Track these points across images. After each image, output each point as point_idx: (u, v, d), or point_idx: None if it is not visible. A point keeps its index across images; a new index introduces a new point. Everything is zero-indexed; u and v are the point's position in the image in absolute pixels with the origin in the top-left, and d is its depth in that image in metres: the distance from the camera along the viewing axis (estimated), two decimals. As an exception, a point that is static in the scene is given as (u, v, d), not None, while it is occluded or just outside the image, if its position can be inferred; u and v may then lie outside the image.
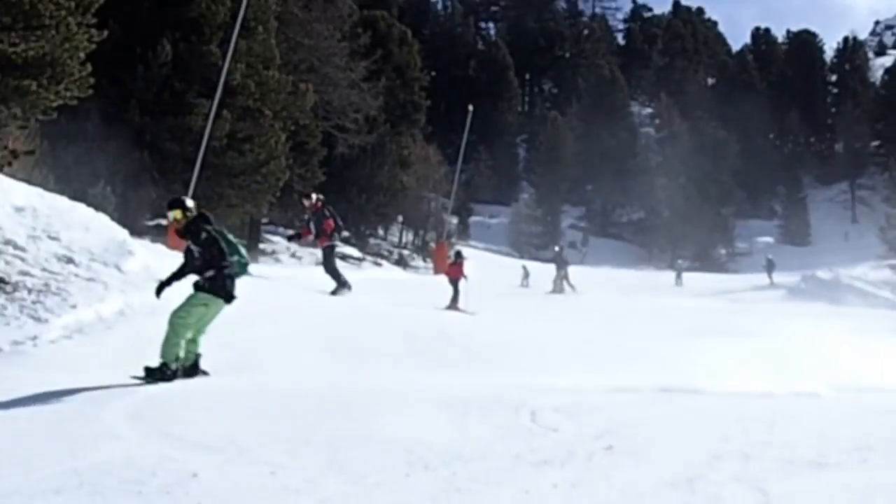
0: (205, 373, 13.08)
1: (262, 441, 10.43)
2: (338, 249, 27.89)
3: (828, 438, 10.17)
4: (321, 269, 26.39)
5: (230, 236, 13.56)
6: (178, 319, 12.28)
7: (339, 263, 29.12)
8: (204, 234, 12.76)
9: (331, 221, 24.45)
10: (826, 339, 25.58)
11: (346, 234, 36.71)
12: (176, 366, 12.32)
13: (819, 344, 26.94)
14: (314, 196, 25.75)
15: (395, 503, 7.94)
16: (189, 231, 13.03)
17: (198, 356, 13.11)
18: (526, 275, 49.99)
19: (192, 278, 12.97)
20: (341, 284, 24.54)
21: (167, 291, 12.93)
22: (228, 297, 13.00)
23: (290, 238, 30.39)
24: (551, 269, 50.47)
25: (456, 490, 8.13)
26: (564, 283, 47.45)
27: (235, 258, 13.12)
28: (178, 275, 13.00)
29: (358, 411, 12.27)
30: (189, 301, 12.56)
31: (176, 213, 13.26)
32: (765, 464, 8.81)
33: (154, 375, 12.04)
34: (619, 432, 10.63)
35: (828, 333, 29.77)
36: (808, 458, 9.02)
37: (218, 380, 14.76)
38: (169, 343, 12.12)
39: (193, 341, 13.11)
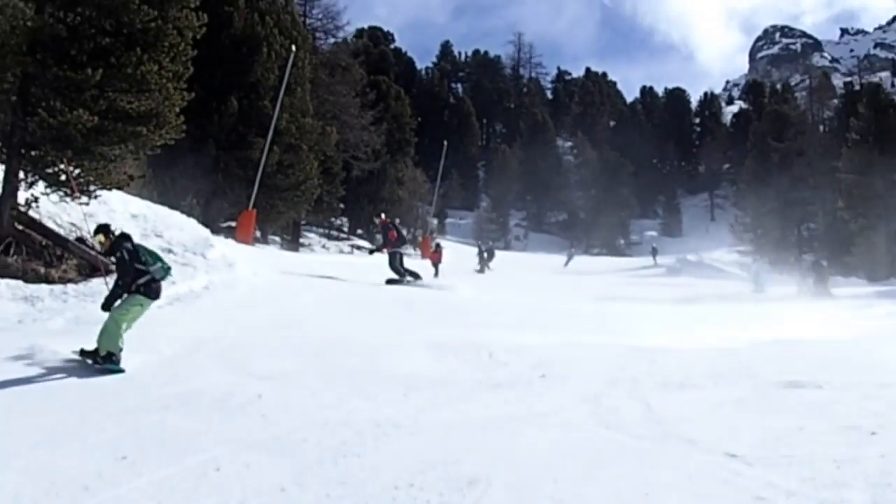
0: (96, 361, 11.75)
1: (305, 373, 11.09)
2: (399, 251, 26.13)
3: (691, 369, 10.41)
4: (385, 266, 25.72)
5: (150, 248, 13.13)
6: (119, 315, 11.82)
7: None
8: (118, 254, 12.25)
9: (394, 233, 24.79)
10: (692, 309, 25.91)
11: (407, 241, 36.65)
12: (120, 352, 11.62)
13: (686, 307, 27.30)
14: (383, 215, 27.13)
15: (396, 413, 8.22)
16: (111, 251, 12.59)
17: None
18: (486, 257, 49.37)
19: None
20: (399, 280, 24.69)
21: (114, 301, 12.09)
22: (156, 297, 12.51)
23: (371, 252, 28.65)
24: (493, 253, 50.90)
25: (437, 405, 8.56)
26: (486, 266, 47.66)
27: (158, 265, 12.51)
28: (115, 291, 12.27)
29: (370, 353, 12.70)
30: (128, 301, 12.05)
31: (100, 237, 12.78)
32: (648, 386, 9.18)
33: (105, 363, 11.44)
34: (550, 366, 10.99)
35: (692, 301, 30.16)
36: (677, 382, 9.35)
37: (274, 332, 15.21)
38: (109, 334, 11.52)
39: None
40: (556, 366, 11.35)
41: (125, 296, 12.18)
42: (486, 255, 49.64)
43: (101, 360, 11.52)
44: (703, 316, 23.11)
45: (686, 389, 9.34)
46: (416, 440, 7.55)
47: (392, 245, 24.67)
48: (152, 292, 12.37)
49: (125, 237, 12.65)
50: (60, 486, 6.22)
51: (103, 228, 12.74)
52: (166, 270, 12.72)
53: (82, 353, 11.88)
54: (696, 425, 7.51)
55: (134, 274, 12.17)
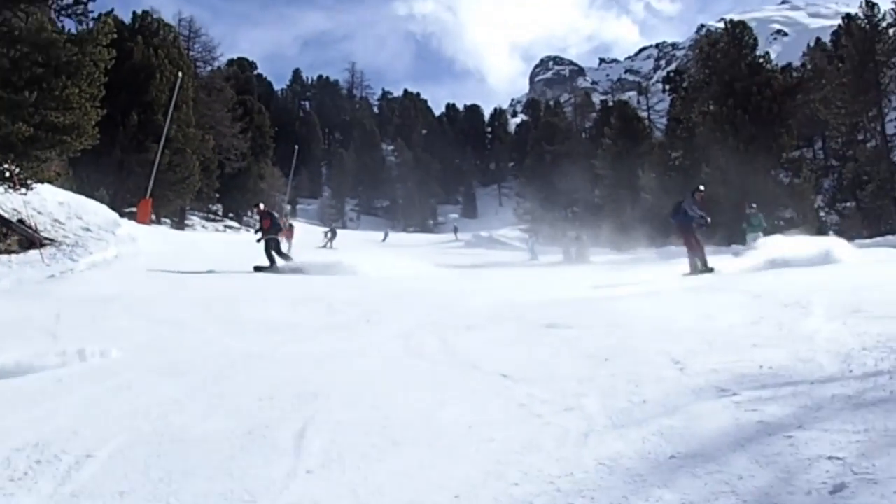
0: None
1: (193, 320, 11.40)
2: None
3: (476, 315, 10.85)
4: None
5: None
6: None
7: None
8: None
9: (268, 221, 21.72)
10: (482, 272, 26.86)
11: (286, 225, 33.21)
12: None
13: (479, 270, 28.39)
14: (261, 205, 24.07)
15: (261, 347, 8.82)
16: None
17: None
18: (330, 236, 48.98)
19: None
20: (269, 266, 21.00)
21: None
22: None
23: (258, 240, 22.29)
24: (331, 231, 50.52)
25: (291, 342, 9.03)
26: (331, 243, 47.46)
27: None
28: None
29: (240, 305, 13.28)
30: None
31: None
32: (445, 327, 9.48)
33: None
34: (373, 314, 11.37)
35: (484, 266, 31.24)
36: (466, 325, 9.74)
37: (170, 290, 15.32)
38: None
39: None
40: (378, 313, 11.58)
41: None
42: (329, 234, 49.21)
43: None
44: (490, 276, 23.19)
45: (473, 330, 9.54)
46: (275, 367, 7.71)
47: (266, 232, 21.57)
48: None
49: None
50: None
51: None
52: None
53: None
54: (479, 355, 7.73)
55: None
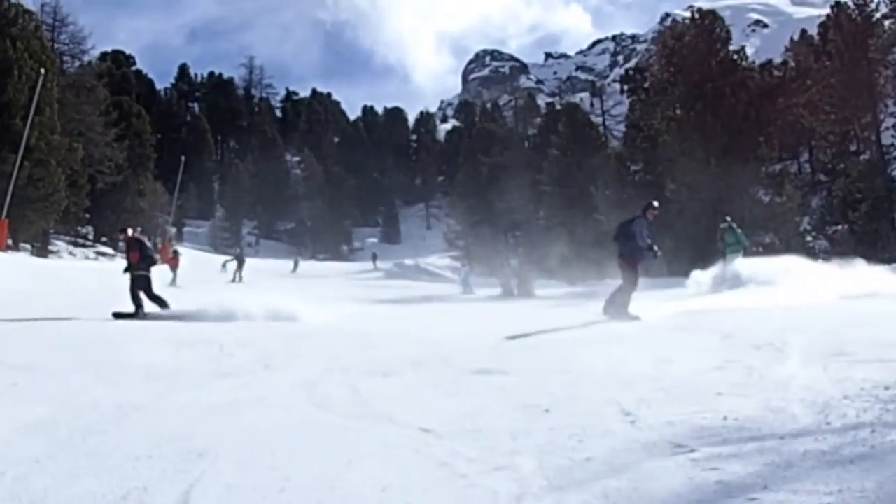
0: None
1: (57, 364, 12.05)
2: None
3: (395, 359, 10.82)
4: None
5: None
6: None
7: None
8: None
9: (136, 254, 18.88)
10: (404, 308, 27.09)
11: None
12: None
13: (400, 306, 28.73)
14: (129, 230, 20.04)
15: (138, 397, 8.67)
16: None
17: None
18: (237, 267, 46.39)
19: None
20: (134, 313, 18.30)
21: None
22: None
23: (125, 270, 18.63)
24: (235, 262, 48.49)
25: (181, 388, 9.18)
26: (239, 273, 45.44)
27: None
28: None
29: (116, 347, 13.21)
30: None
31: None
32: (357, 373, 9.59)
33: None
34: (271, 356, 11.56)
35: (407, 301, 31.60)
36: (382, 371, 9.83)
37: (29, 328, 15.78)
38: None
39: None
40: (277, 357, 11.69)
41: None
42: (236, 263, 47.03)
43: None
44: (414, 313, 23.78)
45: (390, 376, 9.66)
46: (155, 420, 7.62)
47: (134, 267, 18.77)
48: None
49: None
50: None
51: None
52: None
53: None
54: (395, 406, 7.80)
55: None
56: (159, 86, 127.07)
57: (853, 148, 51.59)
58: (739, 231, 26.65)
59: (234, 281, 43.98)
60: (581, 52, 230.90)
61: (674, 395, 7.47)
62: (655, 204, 16.31)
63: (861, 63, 48.16)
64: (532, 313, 21.91)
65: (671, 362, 9.33)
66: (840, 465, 5.40)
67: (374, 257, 79.09)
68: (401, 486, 5.33)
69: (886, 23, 49.30)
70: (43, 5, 64.71)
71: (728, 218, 27.85)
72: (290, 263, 67.72)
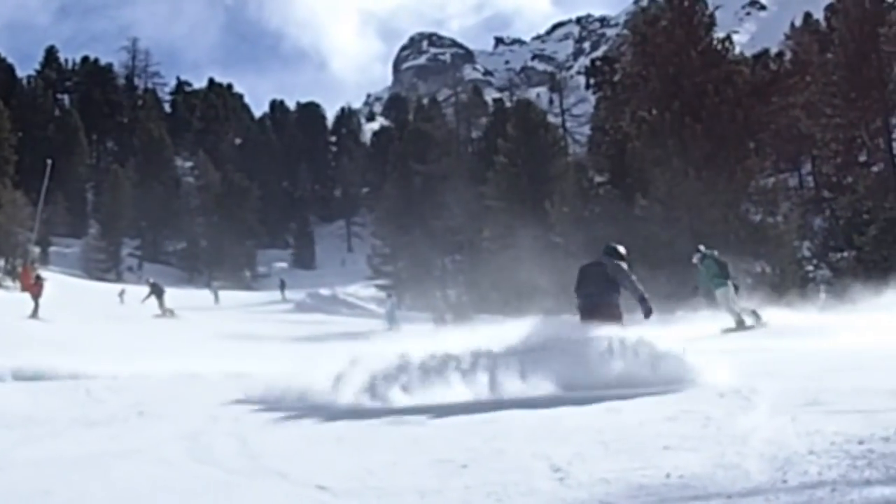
0: None
1: None
2: None
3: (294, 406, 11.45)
4: None
5: None
6: None
7: None
8: None
9: None
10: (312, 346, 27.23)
11: None
12: None
13: (309, 345, 28.82)
14: None
15: None
16: None
17: None
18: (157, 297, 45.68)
19: None
20: None
21: None
22: None
23: None
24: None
25: (40, 438, 9.45)
26: (163, 308, 44.56)
27: None
28: None
29: None
30: None
31: None
32: (248, 422, 9.98)
33: None
34: (148, 402, 11.86)
35: (319, 339, 31.67)
36: (277, 418, 10.32)
37: None
38: None
39: None
40: (154, 403, 12.11)
41: None
42: (154, 292, 45.75)
43: None
44: (321, 352, 23.87)
45: (286, 425, 10.11)
46: (7, 476, 7.78)
47: None
48: None
49: None
50: None
51: None
52: None
53: None
54: (290, 460, 7.98)
55: None
56: (21, 72, 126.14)
57: (862, 158, 50.65)
58: (716, 261, 25.31)
59: (163, 315, 43.52)
60: (538, 37, 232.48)
61: (614, 449, 7.64)
62: (622, 249, 14.89)
63: (870, 57, 47.17)
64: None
65: (618, 412, 9.53)
66: None
67: (283, 285, 78.82)
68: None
69: None
70: None
71: (701, 247, 26.51)
72: (204, 292, 67.41)
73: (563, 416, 9.65)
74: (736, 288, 25.20)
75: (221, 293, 67.59)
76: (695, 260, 25.80)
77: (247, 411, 11.23)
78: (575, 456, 7.27)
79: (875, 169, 48.76)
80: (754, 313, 24.19)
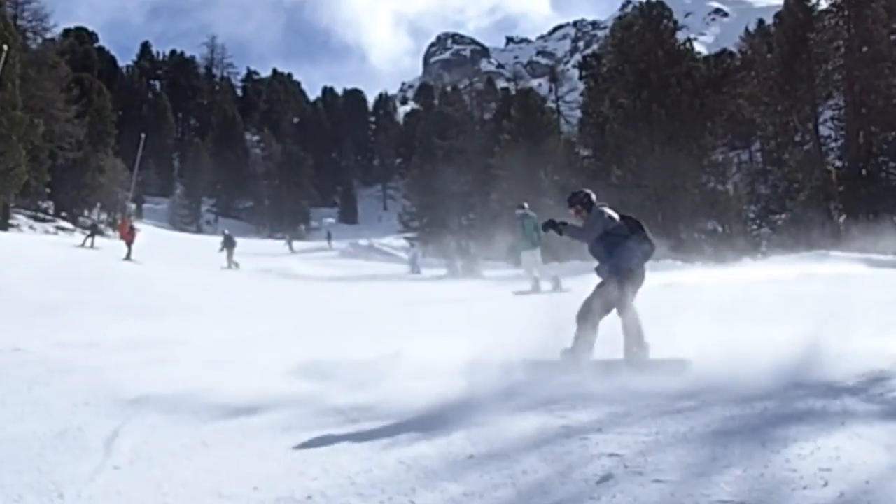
0: None
1: None
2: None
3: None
4: None
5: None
6: None
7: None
8: None
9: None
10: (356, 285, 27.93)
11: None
12: None
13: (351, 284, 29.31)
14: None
15: None
16: None
17: None
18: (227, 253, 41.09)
19: None
20: None
21: None
22: None
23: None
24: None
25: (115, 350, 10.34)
26: (230, 260, 40.24)
27: None
28: None
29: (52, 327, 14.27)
30: None
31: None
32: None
33: None
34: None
35: (358, 280, 32.34)
36: None
37: None
38: None
39: None
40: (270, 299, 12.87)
41: None
42: (226, 248, 41.20)
43: None
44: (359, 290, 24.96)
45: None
46: (93, 375, 8.83)
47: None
48: None
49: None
50: None
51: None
52: None
53: None
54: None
55: None
56: (121, 63, 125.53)
57: (797, 139, 51.49)
58: (534, 218, 22.85)
59: (228, 267, 39.61)
60: (542, 36, 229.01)
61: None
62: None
63: (801, 56, 48.43)
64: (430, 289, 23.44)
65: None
66: (667, 415, 6.64)
67: (329, 236, 78.99)
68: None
69: (827, 17, 49.03)
70: (4, -18, 65.02)
71: (525, 204, 23.98)
72: (277, 244, 68.03)
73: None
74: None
75: (279, 242, 68.20)
76: (518, 213, 23.45)
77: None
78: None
79: (805, 148, 49.42)
80: (556, 279, 22.57)
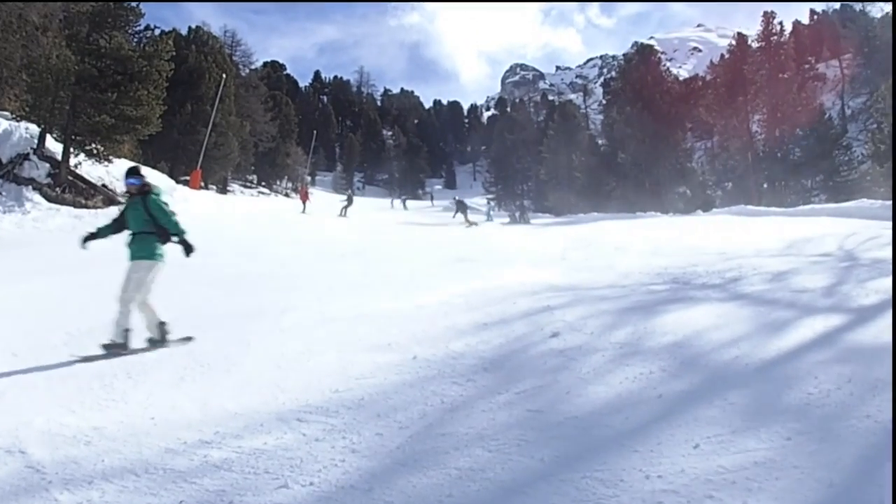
0: None
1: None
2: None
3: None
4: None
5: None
6: None
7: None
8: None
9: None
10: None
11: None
12: None
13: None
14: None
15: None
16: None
17: None
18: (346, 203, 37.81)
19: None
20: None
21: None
22: None
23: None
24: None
25: (289, 265, 9.85)
26: (346, 210, 36.25)
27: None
28: None
29: (261, 250, 14.71)
30: None
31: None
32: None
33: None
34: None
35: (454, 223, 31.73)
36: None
37: (219, 239, 17.02)
38: None
39: None
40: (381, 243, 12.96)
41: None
42: (346, 201, 37.99)
43: None
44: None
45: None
46: (270, 281, 9.73)
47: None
48: None
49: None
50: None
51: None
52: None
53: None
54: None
55: None
56: (301, 84, 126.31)
57: (736, 134, 51.86)
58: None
59: (341, 215, 36.04)
60: (580, 65, 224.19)
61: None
62: None
63: (738, 79, 49.86)
64: (494, 233, 22.69)
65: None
66: (609, 300, 7.28)
67: (432, 197, 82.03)
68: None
69: (756, 54, 51.17)
70: (225, 31, 66.28)
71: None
72: (389, 202, 67.76)
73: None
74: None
75: (408, 202, 67.91)
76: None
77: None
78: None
79: (742, 139, 50.36)
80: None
